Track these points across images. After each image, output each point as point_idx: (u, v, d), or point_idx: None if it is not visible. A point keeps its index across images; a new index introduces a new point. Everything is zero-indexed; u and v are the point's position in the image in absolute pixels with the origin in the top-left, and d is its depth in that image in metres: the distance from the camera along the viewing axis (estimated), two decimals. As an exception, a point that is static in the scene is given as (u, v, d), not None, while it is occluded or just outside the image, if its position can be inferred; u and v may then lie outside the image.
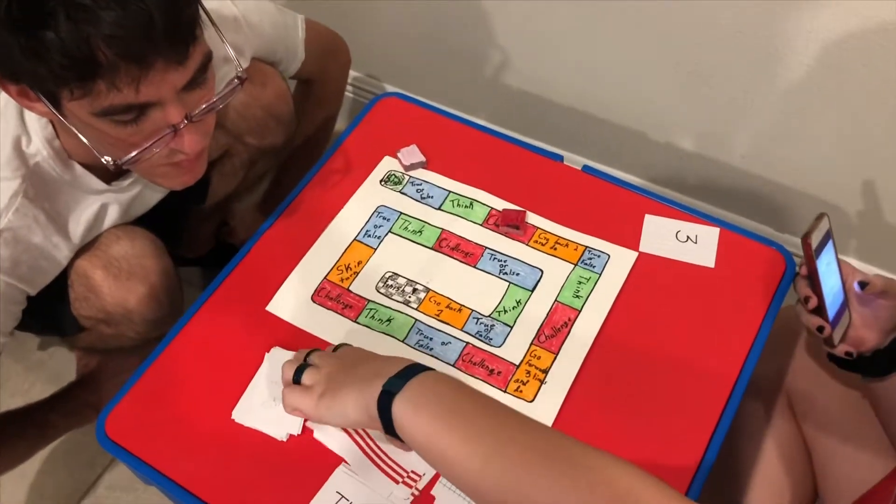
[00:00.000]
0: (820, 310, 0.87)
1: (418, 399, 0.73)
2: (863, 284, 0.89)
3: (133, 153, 0.84)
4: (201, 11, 0.83)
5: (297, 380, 0.85)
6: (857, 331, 0.90)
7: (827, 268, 0.88)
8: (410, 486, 0.86)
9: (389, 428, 0.74)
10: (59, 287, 1.07)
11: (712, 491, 1.14)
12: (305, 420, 0.90)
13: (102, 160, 0.86)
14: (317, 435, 0.90)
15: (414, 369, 0.76)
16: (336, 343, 0.94)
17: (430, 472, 0.86)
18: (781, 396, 1.07)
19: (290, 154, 1.46)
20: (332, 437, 0.89)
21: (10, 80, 0.81)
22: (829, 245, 0.88)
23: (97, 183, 1.03)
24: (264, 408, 0.92)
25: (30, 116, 0.95)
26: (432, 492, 0.85)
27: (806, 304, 0.88)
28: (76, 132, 0.84)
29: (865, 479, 0.97)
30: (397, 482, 0.86)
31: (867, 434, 0.99)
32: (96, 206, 1.06)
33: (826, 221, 0.88)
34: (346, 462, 0.88)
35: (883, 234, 1.37)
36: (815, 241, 0.85)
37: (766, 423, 1.08)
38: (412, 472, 0.87)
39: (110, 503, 1.41)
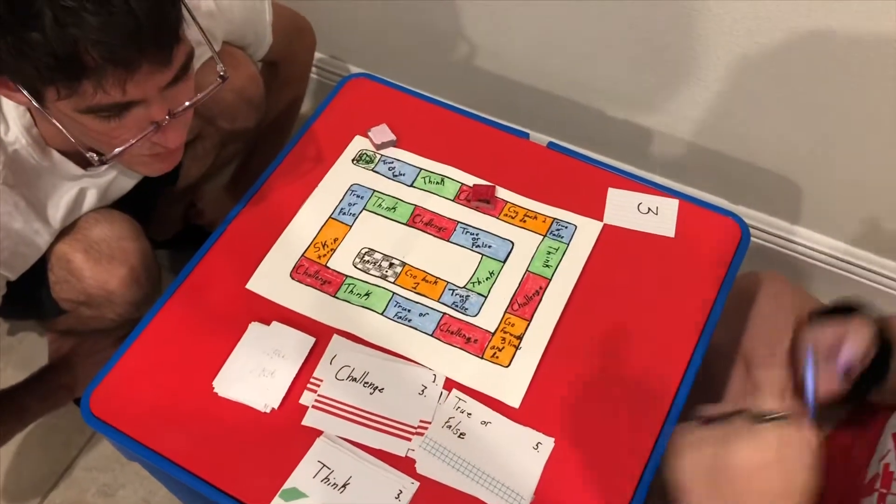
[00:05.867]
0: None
1: None
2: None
3: (117, 150, 0.86)
4: (184, 11, 0.84)
5: None
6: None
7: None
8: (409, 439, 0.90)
9: None
10: (38, 271, 1.08)
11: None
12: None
13: (87, 156, 0.87)
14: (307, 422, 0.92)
15: None
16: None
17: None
18: (739, 362, 1.09)
19: (258, 136, 1.46)
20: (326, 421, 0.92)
21: None
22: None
23: (74, 168, 1.04)
24: (245, 379, 0.94)
25: (7, 105, 0.95)
26: (413, 455, 0.89)
27: None
28: (59, 126, 0.85)
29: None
30: (409, 438, 0.90)
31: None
32: (74, 191, 1.06)
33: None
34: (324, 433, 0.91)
35: (831, 203, 1.41)
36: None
37: (724, 389, 1.09)
38: (417, 424, 0.91)
39: (88, 483, 1.42)
